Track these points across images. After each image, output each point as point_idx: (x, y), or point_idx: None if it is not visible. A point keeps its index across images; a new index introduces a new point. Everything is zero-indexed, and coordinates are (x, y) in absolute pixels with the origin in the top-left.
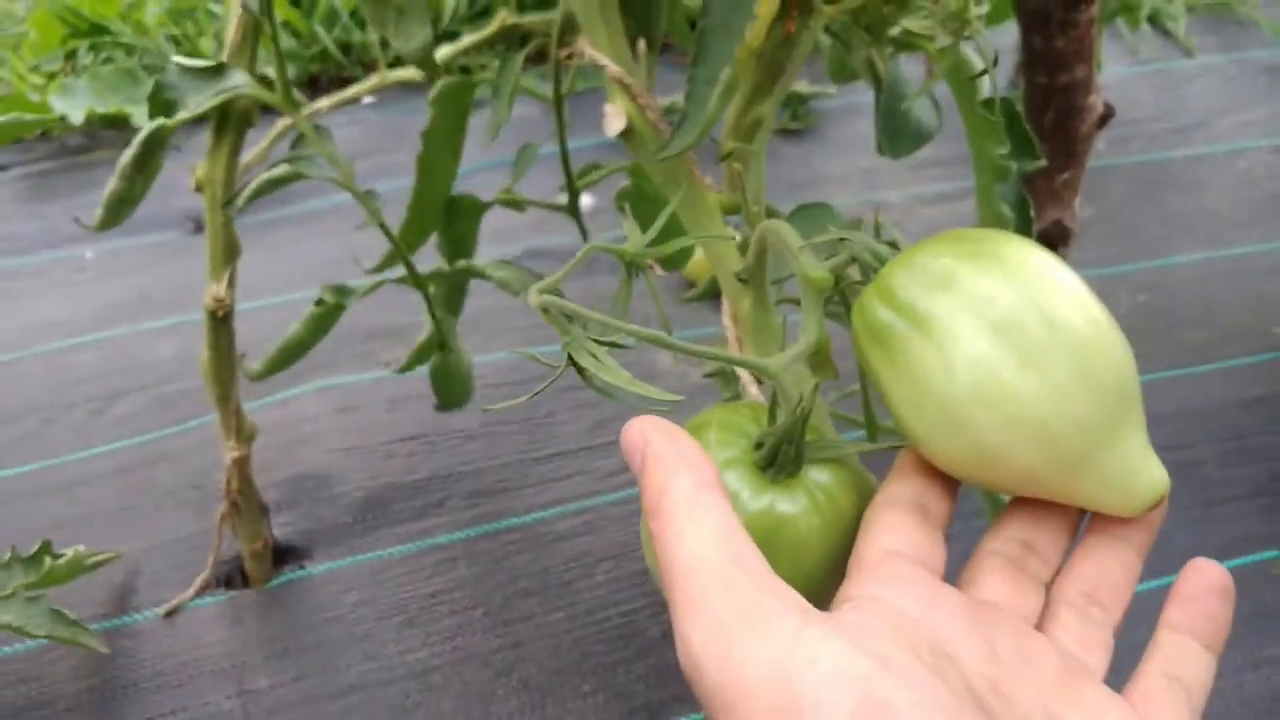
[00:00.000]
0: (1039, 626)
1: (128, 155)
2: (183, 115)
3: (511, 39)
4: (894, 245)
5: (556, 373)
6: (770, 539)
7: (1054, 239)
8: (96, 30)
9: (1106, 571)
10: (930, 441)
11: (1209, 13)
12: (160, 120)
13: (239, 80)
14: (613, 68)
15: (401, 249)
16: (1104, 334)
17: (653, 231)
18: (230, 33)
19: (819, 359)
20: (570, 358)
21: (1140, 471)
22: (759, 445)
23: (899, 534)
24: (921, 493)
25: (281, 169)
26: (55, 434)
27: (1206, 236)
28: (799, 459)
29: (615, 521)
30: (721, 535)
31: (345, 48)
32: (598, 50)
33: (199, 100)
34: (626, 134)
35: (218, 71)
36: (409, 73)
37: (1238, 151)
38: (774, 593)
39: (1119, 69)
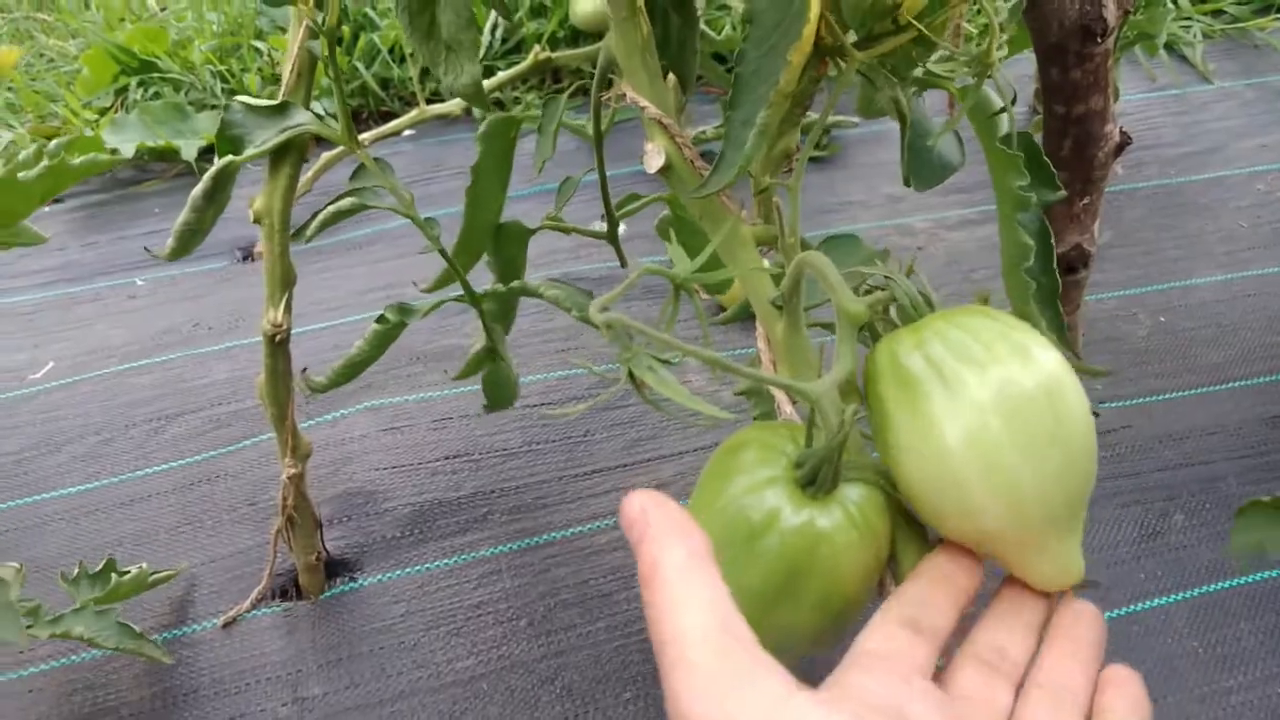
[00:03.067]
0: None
1: (199, 189)
2: (250, 152)
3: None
4: (926, 297)
5: (595, 391)
6: (809, 552)
7: (1074, 262)
8: (146, 67)
9: (1013, 624)
10: (919, 484)
11: (1225, 39)
12: (229, 157)
13: (302, 118)
14: (653, 110)
15: (457, 270)
16: (1089, 444)
17: (701, 258)
18: (286, 72)
19: (847, 385)
20: (630, 373)
21: (1075, 559)
22: (799, 464)
23: (888, 640)
24: (921, 605)
25: (348, 200)
26: (115, 453)
27: (1224, 258)
28: (836, 478)
29: None
30: (713, 605)
31: (384, 83)
32: (638, 93)
33: (265, 137)
34: (665, 170)
35: (281, 110)
36: (446, 107)
37: (1255, 174)
38: (762, 660)
39: (1137, 95)
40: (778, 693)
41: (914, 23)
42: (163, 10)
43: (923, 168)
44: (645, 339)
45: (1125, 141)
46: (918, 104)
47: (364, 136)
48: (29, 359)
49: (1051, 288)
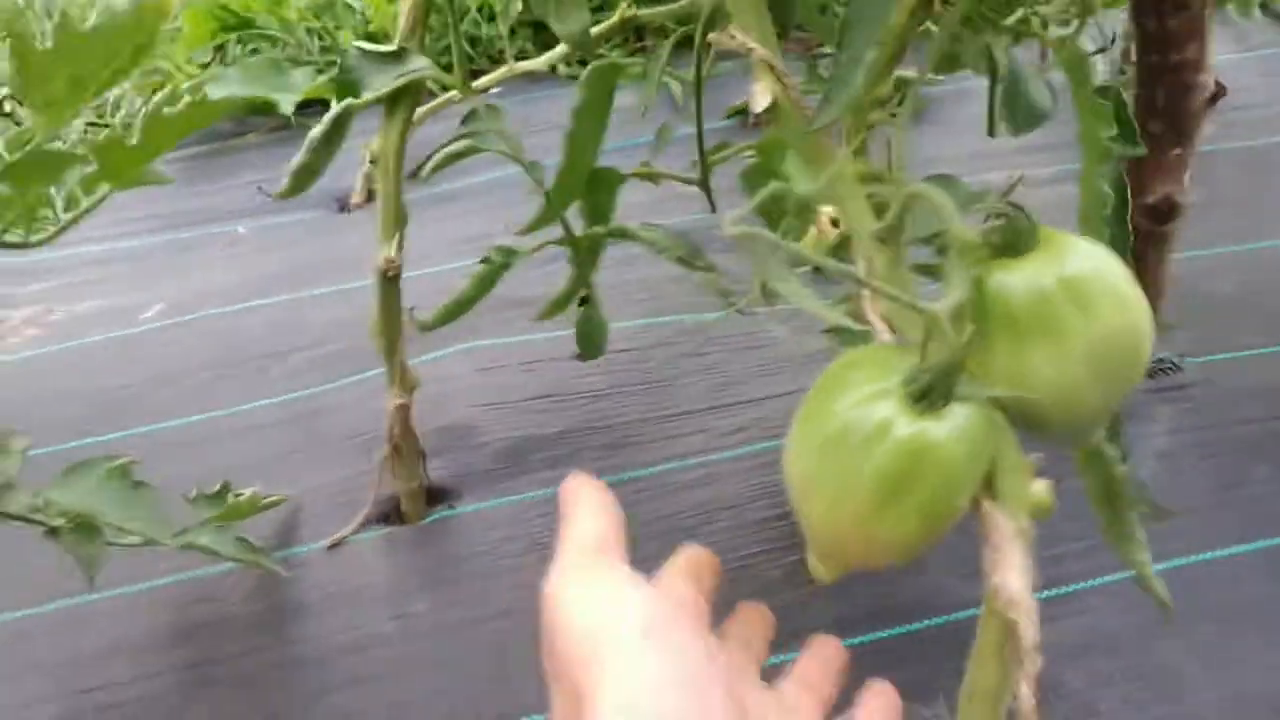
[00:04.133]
0: None
1: (317, 131)
2: (368, 96)
3: (630, 33)
4: (1034, 229)
5: (677, 340)
6: (919, 461)
7: (1165, 212)
8: (244, 24)
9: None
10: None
11: None
12: (349, 100)
13: (420, 64)
14: (761, 51)
15: (558, 210)
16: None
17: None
18: (402, 20)
19: (961, 310)
20: (761, 285)
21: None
22: (912, 380)
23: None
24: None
25: (462, 143)
26: (226, 388)
27: None
28: (950, 394)
29: (735, 475)
30: (596, 528)
31: (472, 41)
32: (747, 35)
33: (382, 81)
34: (771, 110)
35: (398, 56)
36: (534, 64)
37: None
38: (616, 565)
39: (1228, 55)
40: (618, 578)
41: None
42: None
43: (1018, 111)
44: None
45: (1219, 92)
46: (1011, 52)
47: (454, 93)
48: (140, 300)
49: (1123, 238)
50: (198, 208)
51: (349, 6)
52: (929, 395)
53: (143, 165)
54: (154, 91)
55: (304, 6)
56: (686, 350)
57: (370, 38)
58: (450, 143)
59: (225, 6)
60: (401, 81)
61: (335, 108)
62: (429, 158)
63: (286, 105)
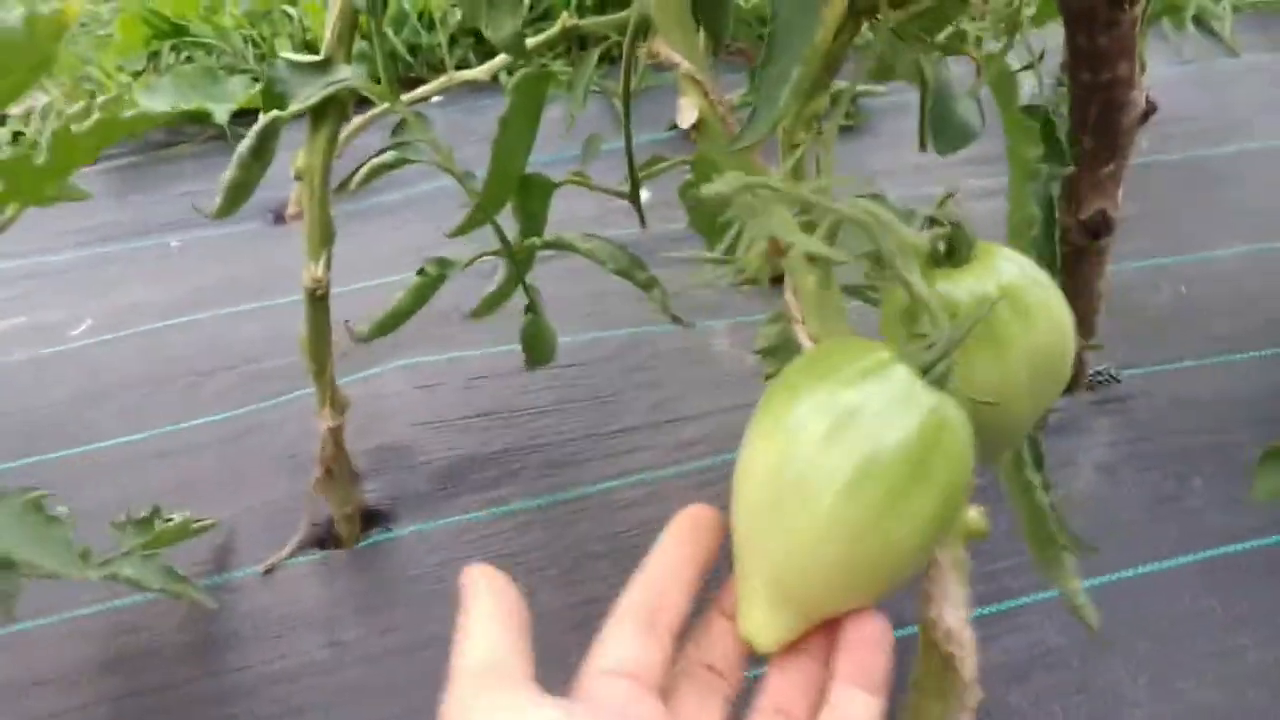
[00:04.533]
0: None
1: (245, 145)
2: (294, 107)
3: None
4: (970, 240)
5: (623, 354)
6: (944, 433)
7: (1098, 228)
8: (178, 31)
9: (793, 681)
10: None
11: (1255, 11)
12: (274, 113)
13: (345, 74)
14: (687, 65)
15: (487, 216)
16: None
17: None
18: (329, 30)
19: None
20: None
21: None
22: (916, 356)
23: (622, 648)
24: (654, 600)
25: (390, 154)
26: (155, 406)
27: (1247, 231)
28: (950, 376)
29: (679, 492)
30: (495, 647)
31: (412, 49)
32: (673, 49)
33: (309, 93)
34: (698, 126)
35: (324, 66)
36: (475, 73)
37: None
38: (521, 685)
39: (1163, 69)
40: (522, 700)
41: None
42: None
43: (945, 130)
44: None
45: (1150, 109)
46: (940, 68)
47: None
48: (69, 316)
49: (1051, 255)
50: (128, 219)
51: (286, 14)
52: (937, 370)
53: (55, 183)
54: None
55: (240, 13)
56: (631, 365)
57: (309, 46)
58: (379, 154)
59: (158, 13)
60: (327, 93)
61: (261, 120)
62: (358, 169)
63: (221, 115)
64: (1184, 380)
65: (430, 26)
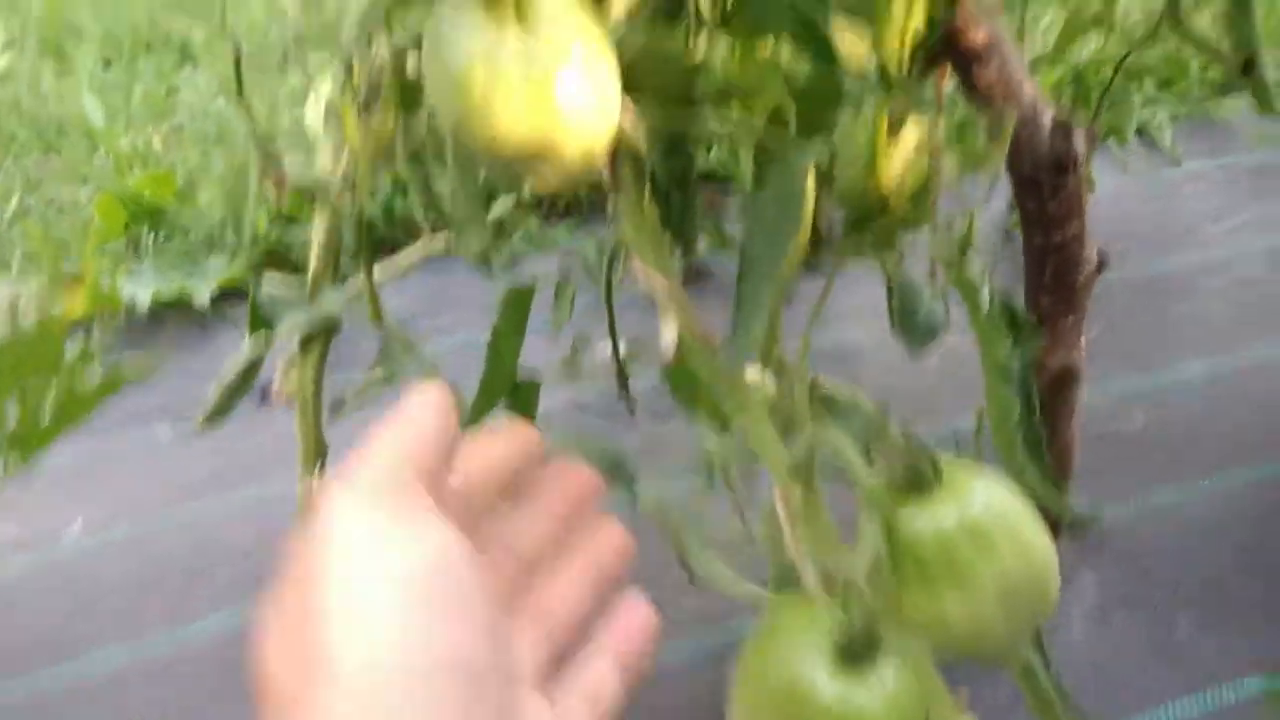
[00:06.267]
0: None
1: (235, 365)
2: (281, 334)
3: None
4: (934, 465)
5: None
6: None
7: (1064, 381)
8: (156, 212)
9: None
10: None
11: (1190, 119)
12: (260, 340)
13: (333, 303)
14: (663, 288)
15: (478, 419)
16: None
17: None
18: (314, 257)
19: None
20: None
21: None
22: (838, 638)
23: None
24: None
25: (379, 373)
26: (152, 615)
27: (1210, 345)
28: (875, 650)
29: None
30: (417, 443)
31: (388, 213)
32: (649, 270)
33: (294, 323)
34: (678, 344)
35: (311, 294)
36: (444, 244)
37: (1232, 257)
38: (421, 495)
39: (1109, 181)
40: (407, 515)
41: (902, 209)
42: (165, 144)
43: (912, 331)
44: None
45: (1103, 262)
46: (901, 269)
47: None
48: (59, 518)
49: (1036, 440)
50: (115, 409)
51: (263, 192)
52: (855, 653)
53: (52, 439)
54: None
55: (216, 191)
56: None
57: (287, 218)
58: (370, 374)
59: (136, 195)
60: (314, 326)
61: (248, 350)
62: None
63: (203, 296)
64: (1164, 513)
65: (405, 192)
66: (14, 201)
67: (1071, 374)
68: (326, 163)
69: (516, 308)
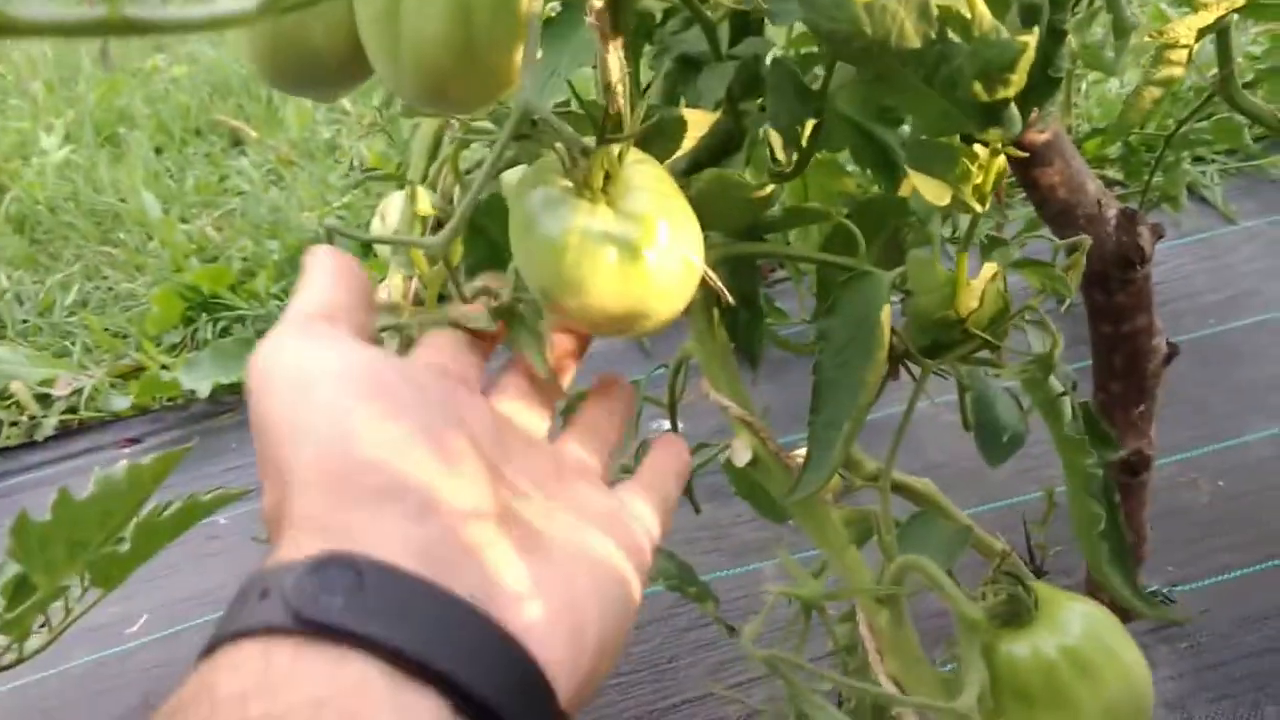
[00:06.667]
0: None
1: None
2: None
3: None
4: (1035, 597)
5: (675, 612)
6: None
7: (1136, 467)
8: (213, 302)
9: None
10: None
11: (1242, 175)
12: None
13: None
14: (736, 409)
15: None
16: None
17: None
18: None
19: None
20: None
21: None
22: None
23: (448, 349)
24: None
25: None
26: None
27: (1277, 409)
28: None
29: None
30: (329, 298)
31: None
32: (720, 393)
33: None
34: (753, 464)
35: None
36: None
37: None
38: (343, 330)
39: (1164, 243)
40: (340, 340)
41: (980, 334)
42: (219, 232)
43: (992, 442)
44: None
45: (1173, 352)
46: (980, 380)
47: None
48: (123, 612)
49: (1121, 547)
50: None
51: None
52: None
53: (133, 568)
54: (124, 377)
55: (271, 279)
56: (683, 625)
57: None
58: None
59: (193, 286)
60: None
61: None
62: None
63: None
64: (1238, 592)
65: None
66: (74, 291)
67: (1144, 461)
68: (396, 285)
69: None
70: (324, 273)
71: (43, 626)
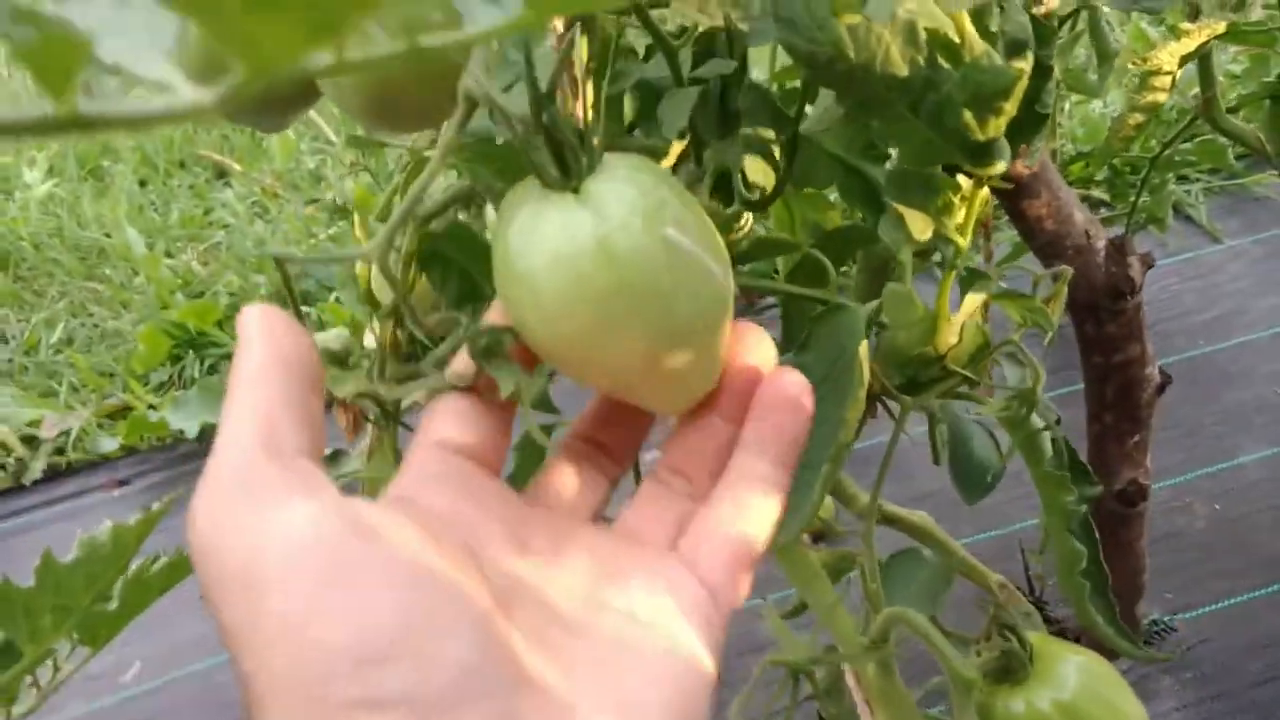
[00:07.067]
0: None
1: None
2: None
3: None
4: (1028, 651)
5: None
6: None
7: (1132, 497)
8: (200, 339)
9: (691, 444)
10: None
11: (1225, 194)
12: None
13: (355, 465)
14: None
15: None
16: None
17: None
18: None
19: None
20: None
21: None
22: None
23: (460, 421)
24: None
25: None
26: None
27: (1267, 430)
28: None
29: None
30: (266, 413)
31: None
32: None
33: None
34: None
35: (334, 459)
36: None
37: (1278, 335)
38: (289, 471)
39: None
40: (276, 503)
41: (960, 371)
42: (205, 266)
43: (967, 476)
44: None
45: (1166, 381)
46: (953, 413)
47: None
48: (116, 660)
49: (1101, 584)
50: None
51: (303, 312)
52: None
53: (123, 625)
54: (111, 417)
55: None
56: None
57: None
58: None
59: (179, 324)
60: (342, 480)
61: None
62: None
63: None
64: (1240, 618)
65: None
66: (59, 329)
67: (1141, 491)
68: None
69: None
70: (259, 365)
71: (32, 685)
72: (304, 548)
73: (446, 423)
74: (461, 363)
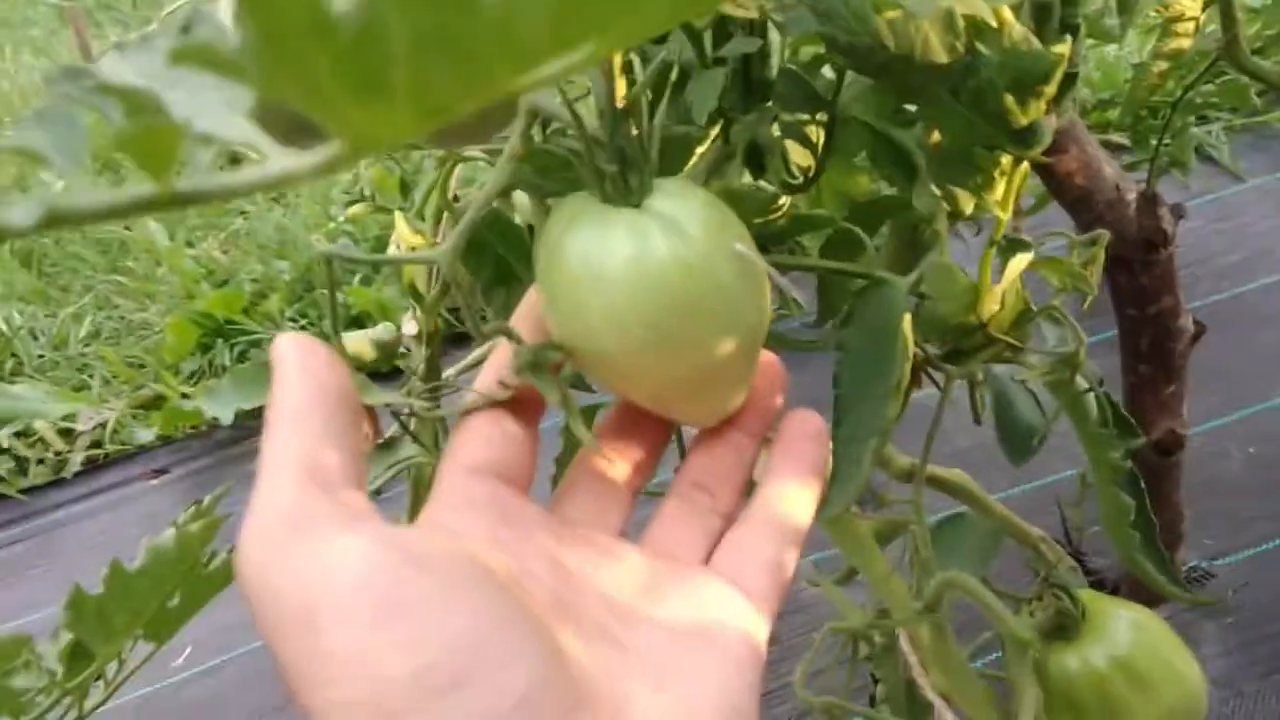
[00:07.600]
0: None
1: None
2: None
3: None
4: (1081, 608)
5: None
6: None
7: (1169, 447)
8: (228, 327)
9: (715, 459)
10: None
11: (1247, 132)
12: None
13: (408, 452)
14: None
15: None
16: None
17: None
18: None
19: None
20: None
21: None
22: None
23: (488, 444)
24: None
25: None
26: None
27: None
28: None
29: None
30: (310, 449)
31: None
32: None
33: (377, 472)
34: None
35: (390, 445)
36: None
37: None
38: (337, 505)
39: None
40: (328, 536)
41: (1004, 337)
42: (227, 254)
43: (1012, 438)
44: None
45: (1200, 331)
46: (997, 378)
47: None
48: (167, 645)
49: (1151, 534)
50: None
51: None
52: None
53: (185, 621)
54: (143, 407)
55: (284, 300)
56: None
57: (355, 323)
58: None
59: (206, 313)
60: (395, 470)
61: None
62: None
63: None
64: (1277, 562)
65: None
66: (86, 323)
67: (1177, 441)
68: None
69: None
70: (299, 401)
71: (98, 680)
72: (359, 582)
73: (475, 444)
74: (489, 379)
